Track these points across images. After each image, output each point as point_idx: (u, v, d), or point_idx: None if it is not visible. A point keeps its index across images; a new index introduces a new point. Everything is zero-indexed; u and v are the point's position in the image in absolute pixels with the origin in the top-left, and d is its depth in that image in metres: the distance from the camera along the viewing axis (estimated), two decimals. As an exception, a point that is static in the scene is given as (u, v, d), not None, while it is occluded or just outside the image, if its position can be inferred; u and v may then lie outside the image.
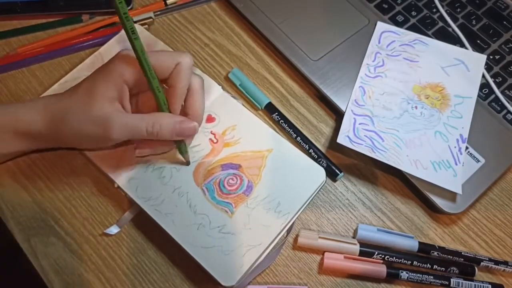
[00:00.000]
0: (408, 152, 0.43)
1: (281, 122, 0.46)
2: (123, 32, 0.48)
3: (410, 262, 0.40)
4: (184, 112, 0.39)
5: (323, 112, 0.48)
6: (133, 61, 0.36)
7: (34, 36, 0.50)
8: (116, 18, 0.51)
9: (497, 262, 0.41)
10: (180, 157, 0.42)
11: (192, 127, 0.38)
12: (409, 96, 0.47)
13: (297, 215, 0.41)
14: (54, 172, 0.43)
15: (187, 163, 0.42)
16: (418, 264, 0.40)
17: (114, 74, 0.36)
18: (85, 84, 0.37)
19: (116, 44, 0.47)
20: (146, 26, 0.50)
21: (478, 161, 0.44)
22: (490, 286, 0.40)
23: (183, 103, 0.39)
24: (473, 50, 0.50)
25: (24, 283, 0.52)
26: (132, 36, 0.34)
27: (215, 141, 0.43)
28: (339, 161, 0.45)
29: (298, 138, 0.45)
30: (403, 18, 0.52)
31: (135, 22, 0.51)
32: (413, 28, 0.51)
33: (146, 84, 0.36)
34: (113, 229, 0.41)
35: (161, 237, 0.40)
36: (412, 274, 0.40)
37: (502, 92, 0.48)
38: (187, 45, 0.51)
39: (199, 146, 0.43)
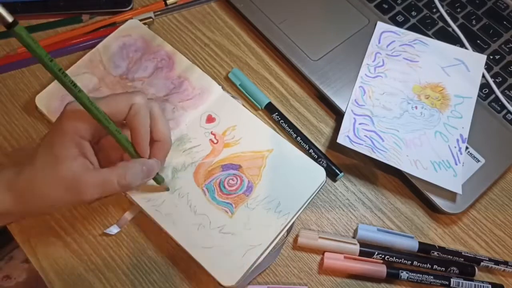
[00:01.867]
0: (408, 152, 0.43)
1: (281, 122, 0.46)
2: (120, 28, 0.48)
3: (410, 262, 0.40)
4: (152, 140, 0.37)
5: (323, 112, 0.48)
6: (82, 114, 0.33)
7: (34, 36, 0.50)
8: (116, 18, 0.51)
9: (497, 262, 0.41)
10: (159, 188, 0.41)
11: (155, 165, 0.37)
12: (409, 96, 0.47)
13: (297, 215, 0.41)
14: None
15: (167, 189, 0.41)
16: (418, 264, 0.40)
17: (69, 133, 0.34)
18: (42, 153, 0.34)
19: (114, 41, 0.47)
20: (146, 26, 0.50)
21: (478, 161, 0.44)
22: (490, 286, 0.40)
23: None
24: (473, 50, 0.50)
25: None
26: (75, 91, 0.30)
27: (215, 141, 0.43)
28: (339, 161, 0.45)
29: (298, 138, 0.45)
30: (403, 18, 0.52)
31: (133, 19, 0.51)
32: (413, 28, 0.51)
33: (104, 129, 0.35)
34: (113, 229, 0.41)
35: (161, 237, 0.40)
36: (412, 274, 0.40)
37: (502, 92, 0.48)
38: (187, 45, 0.51)
39: (200, 147, 0.43)
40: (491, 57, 0.50)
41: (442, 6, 0.53)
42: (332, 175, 0.44)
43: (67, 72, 0.45)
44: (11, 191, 0.35)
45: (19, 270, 0.79)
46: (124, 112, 0.35)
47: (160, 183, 0.40)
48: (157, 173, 0.38)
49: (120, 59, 0.46)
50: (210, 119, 0.44)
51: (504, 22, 0.52)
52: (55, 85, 0.45)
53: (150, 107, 0.37)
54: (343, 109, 0.46)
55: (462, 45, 0.50)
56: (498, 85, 0.49)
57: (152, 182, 0.39)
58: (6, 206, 0.35)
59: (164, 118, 0.38)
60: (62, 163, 0.33)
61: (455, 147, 0.44)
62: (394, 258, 0.40)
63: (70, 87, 0.30)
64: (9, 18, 0.26)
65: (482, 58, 0.49)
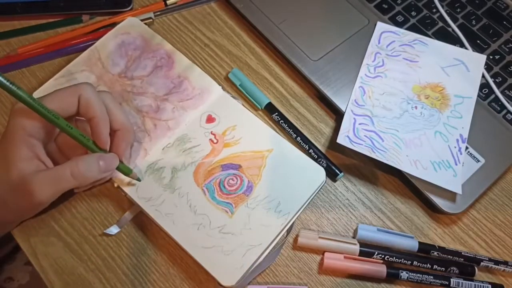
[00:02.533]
0: (408, 152, 0.43)
1: (281, 122, 0.46)
2: (118, 26, 0.48)
3: (410, 262, 0.40)
4: (112, 131, 0.37)
5: (323, 112, 0.48)
6: (30, 112, 0.32)
7: (34, 36, 0.50)
8: (116, 18, 0.51)
9: (497, 262, 0.41)
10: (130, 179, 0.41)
11: (114, 158, 0.37)
12: (409, 96, 0.47)
13: (297, 215, 0.41)
14: None
15: (138, 180, 0.40)
16: (418, 264, 0.40)
17: (18, 133, 0.33)
18: None
19: (112, 38, 0.47)
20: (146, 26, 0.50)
21: (478, 161, 0.44)
22: (490, 286, 0.40)
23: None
24: (473, 50, 0.50)
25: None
26: (13, 89, 0.30)
27: (215, 141, 0.43)
28: (339, 161, 0.45)
29: (298, 138, 0.45)
30: (403, 18, 0.52)
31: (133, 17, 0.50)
32: (413, 28, 0.51)
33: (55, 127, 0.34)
34: (113, 229, 0.41)
35: (161, 237, 0.40)
36: (412, 274, 0.40)
37: (502, 92, 0.48)
38: (187, 45, 0.51)
39: (199, 147, 0.43)
40: (491, 57, 0.50)
41: (442, 6, 0.53)
42: (332, 175, 0.44)
43: (65, 69, 0.45)
44: None
45: (22, 272, 0.79)
46: (73, 104, 0.34)
47: (128, 174, 0.39)
48: (122, 164, 0.38)
49: (118, 57, 0.46)
50: (210, 119, 0.44)
51: (504, 22, 0.52)
52: (52, 82, 0.44)
53: (102, 98, 0.36)
54: (343, 109, 0.46)
55: (462, 45, 0.50)
56: (498, 85, 0.49)
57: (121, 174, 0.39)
58: None
59: (119, 106, 0.37)
60: (12, 165, 0.32)
61: (455, 147, 0.44)
62: (394, 258, 0.40)
63: (7, 85, 0.29)
64: None
65: (482, 58, 0.49)
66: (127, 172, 0.39)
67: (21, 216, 0.38)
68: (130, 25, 0.48)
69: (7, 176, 0.33)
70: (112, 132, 0.37)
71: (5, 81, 0.29)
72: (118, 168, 0.38)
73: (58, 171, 0.33)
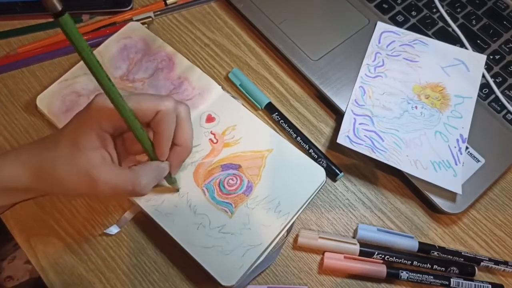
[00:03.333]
0: (408, 152, 0.43)
1: (281, 122, 0.46)
2: (121, 30, 0.48)
3: (410, 262, 0.40)
4: (172, 143, 0.37)
5: (323, 112, 0.48)
6: (107, 109, 0.33)
7: (34, 36, 0.50)
8: (116, 18, 0.51)
9: (497, 262, 0.41)
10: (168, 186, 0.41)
11: (166, 168, 0.37)
12: (409, 96, 0.47)
13: (297, 215, 0.41)
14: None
15: (177, 191, 0.41)
16: (418, 264, 0.40)
17: (94, 125, 0.34)
18: (66, 137, 0.35)
19: (115, 42, 0.47)
20: (146, 25, 0.50)
21: (478, 161, 0.44)
22: (490, 286, 0.40)
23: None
24: (473, 50, 0.50)
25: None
26: (109, 85, 0.30)
27: (215, 141, 0.43)
28: (339, 161, 0.45)
29: (298, 138, 0.45)
30: (403, 18, 0.52)
31: (134, 21, 0.51)
32: (413, 28, 0.51)
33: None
34: (113, 229, 0.41)
35: (161, 237, 0.40)
36: (412, 274, 0.40)
37: (502, 92, 0.48)
38: (187, 45, 0.51)
39: (199, 147, 0.43)
40: (491, 57, 0.50)
41: (442, 6, 0.53)
42: (332, 175, 0.44)
43: (69, 72, 0.45)
44: (31, 169, 0.35)
45: (22, 271, 0.79)
46: (150, 115, 0.35)
47: (172, 184, 0.40)
48: (170, 175, 0.38)
49: (120, 60, 0.47)
50: (209, 119, 0.44)
51: (504, 22, 0.52)
52: (56, 85, 0.45)
53: (178, 111, 0.36)
54: (343, 109, 0.46)
55: (462, 45, 0.50)
56: (498, 85, 0.49)
57: (164, 182, 0.40)
58: (24, 182, 0.36)
59: (189, 124, 0.38)
60: (81, 152, 0.34)
61: (455, 147, 0.44)
62: (394, 258, 0.40)
63: (106, 80, 0.30)
64: (59, 7, 0.26)
65: (482, 58, 0.49)
66: (171, 182, 0.40)
67: (68, 193, 0.39)
68: (132, 29, 0.48)
69: (73, 160, 0.34)
70: (172, 144, 0.37)
71: (104, 76, 0.29)
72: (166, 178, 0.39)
73: (121, 182, 0.35)
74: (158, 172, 0.37)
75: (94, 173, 0.34)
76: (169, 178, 0.39)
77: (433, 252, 0.41)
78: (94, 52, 0.47)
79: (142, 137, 0.35)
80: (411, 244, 0.41)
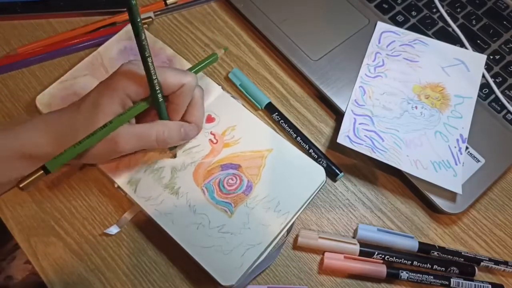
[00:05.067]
0: (408, 152, 0.43)
1: (281, 122, 0.46)
2: (122, 31, 0.48)
3: (410, 262, 0.40)
4: (184, 120, 0.40)
5: (323, 112, 0.48)
6: (134, 75, 0.37)
7: (34, 36, 0.50)
8: (116, 18, 0.51)
9: (497, 262, 0.41)
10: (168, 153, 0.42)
11: (195, 129, 0.41)
12: (409, 96, 0.47)
13: (297, 215, 0.41)
14: (54, 172, 0.43)
15: (174, 156, 0.42)
16: (418, 264, 0.40)
17: (119, 90, 0.36)
18: (89, 99, 0.37)
19: (115, 44, 0.47)
20: (146, 26, 0.51)
21: (478, 161, 0.44)
22: (490, 286, 0.40)
23: None
24: (473, 50, 0.50)
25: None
26: (148, 53, 0.35)
27: (214, 141, 0.43)
28: (339, 161, 0.45)
29: (298, 138, 0.45)
30: (403, 18, 0.52)
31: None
32: (413, 28, 0.51)
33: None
34: (113, 229, 0.41)
35: (161, 237, 0.40)
36: (412, 274, 0.40)
37: (502, 92, 0.48)
38: (187, 45, 0.51)
39: (199, 147, 0.43)
40: (491, 57, 0.50)
41: (442, 6, 0.52)
42: (332, 175, 0.44)
43: (69, 73, 0.45)
44: (50, 134, 0.36)
45: (22, 270, 0.79)
46: (173, 88, 0.37)
47: (171, 151, 0.42)
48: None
49: (121, 62, 0.46)
50: (209, 119, 0.44)
51: (504, 22, 0.52)
52: (56, 86, 0.45)
53: (194, 91, 0.39)
54: (343, 109, 0.46)
55: (462, 45, 0.50)
56: (498, 85, 0.49)
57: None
58: (45, 148, 0.36)
59: (202, 105, 0.41)
60: (103, 115, 0.35)
61: (455, 147, 0.44)
62: (394, 258, 0.40)
63: (146, 49, 0.35)
64: None
65: (482, 58, 0.49)
66: (171, 148, 0.42)
67: (89, 157, 0.39)
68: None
69: (93, 119, 0.35)
70: (182, 121, 0.40)
71: (145, 44, 0.34)
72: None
73: (145, 130, 0.37)
74: (184, 129, 0.39)
75: (116, 132, 0.35)
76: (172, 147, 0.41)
77: (433, 252, 0.41)
78: (94, 52, 0.48)
79: (163, 108, 0.38)
80: (411, 244, 0.41)
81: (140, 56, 0.35)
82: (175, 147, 0.42)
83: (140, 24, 0.34)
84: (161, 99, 0.37)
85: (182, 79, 0.37)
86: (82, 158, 0.37)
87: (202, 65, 0.42)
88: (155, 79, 0.36)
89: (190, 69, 0.41)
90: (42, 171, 0.34)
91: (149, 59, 0.35)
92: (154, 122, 0.38)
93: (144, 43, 0.35)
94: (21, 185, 0.34)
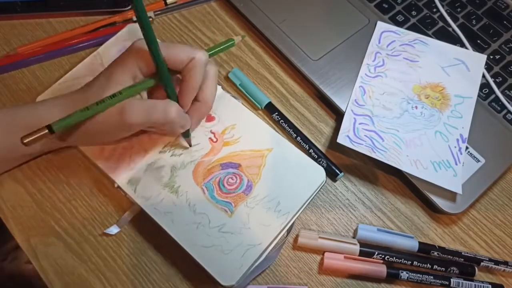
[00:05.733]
0: (408, 152, 0.43)
1: (281, 122, 0.46)
2: (122, 31, 0.48)
3: (410, 262, 0.40)
4: (196, 100, 0.40)
5: (323, 112, 0.48)
6: (146, 53, 0.36)
7: (34, 36, 0.50)
8: (116, 18, 0.51)
9: (497, 262, 0.41)
10: (182, 142, 0.43)
11: (203, 108, 0.40)
12: (409, 96, 0.47)
13: (297, 215, 0.41)
14: (54, 172, 0.43)
15: (189, 146, 0.42)
16: (418, 264, 0.40)
17: (130, 64, 0.37)
18: (102, 74, 0.38)
19: (114, 44, 0.47)
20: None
21: (478, 161, 0.44)
22: (490, 286, 0.40)
23: None
24: (473, 50, 0.50)
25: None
26: (151, 34, 0.34)
27: (214, 140, 0.43)
28: (339, 161, 0.45)
29: (298, 138, 0.45)
30: (403, 18, 0.52)
31: (134, 21, 0.51)
32: (413, 28, 0.51)
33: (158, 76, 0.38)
34: (113, 229, 0.41)
35: (161, 237, 0.40)
36: (412, 274, 0.40)
37: (502, 92, 0.48)
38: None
39: (199, 145, 0.43)
40: (491, 57, 0.50)
41: (442, 6, 0.53)
42: (332, 175, 0.44)
43: (68, 74, 0.45)
44: (66, 106, 0.37)
45: (22, 271, 0.79)
46: (183, 62, 0.37)
47: (186, 138, 0.42)
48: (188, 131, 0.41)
49: None
50: (209, 118, 0.44)
51: (504, 22, 0.52)
52: (56, 86, 0.45)
53: (208, 68, 0.39)
54: (343, 109, 0.46)
55: (462, 45, 0.50)
56: (498, 85, 0.49)
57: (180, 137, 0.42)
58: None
59: (215, 83, 0.40)
60: (113, 86, 0.36)
61: (455, 147, 0.44)
62: (394, 258, 0.40)
63: (149, 28, 0.33)
64: None
65: (482, 58, 0.49)
66: (186, 135, 0.42)
67: (99, 132, 0.38)
68: (131, 31, 0.48)
69: (107, 93, 0.36)
70: (194, 99, 0.40)
71: (148, 23, 0.33)
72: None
73: (155, 103, 0.37)
74: (187, 120, 0.39)
75: (125, 102, 0.35)
76: (185, 132, 0.41)
77: (433, 252, 0.41)
78: (94, 53, 0.48)
79: (169, 84, 0.37)
80: (411, 244, 0.41)
81: (140, 27, 0.34)
82: (189, 134, 0.41)
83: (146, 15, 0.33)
84: (163, 72, 0.37)
85: (192, 53, 0.37)
86: (89, 126, 0.37)
87: (218, 48, 0.41)
88: (154, 49, 0.35)
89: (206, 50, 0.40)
90: (46, 130, 0.33)
91: (150, 29, 0.34)
92: (164, 99, 0.38)
93: (141, 11, 0.33)
94: (25, 141, 0.34)
